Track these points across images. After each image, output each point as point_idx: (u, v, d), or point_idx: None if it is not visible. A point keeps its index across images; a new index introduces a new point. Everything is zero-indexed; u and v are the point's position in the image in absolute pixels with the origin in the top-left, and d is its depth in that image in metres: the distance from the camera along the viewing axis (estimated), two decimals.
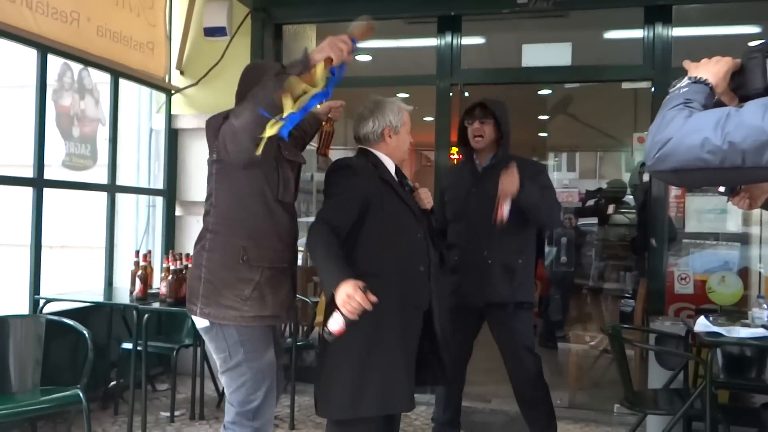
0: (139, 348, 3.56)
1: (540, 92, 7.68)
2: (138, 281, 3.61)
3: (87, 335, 3.08)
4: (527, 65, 4.38)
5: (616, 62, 4.32)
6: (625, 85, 4.49)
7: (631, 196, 6.53)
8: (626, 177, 7.18)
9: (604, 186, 7.90)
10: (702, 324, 3.15)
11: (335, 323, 2.06)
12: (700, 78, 1.49)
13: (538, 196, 2.92)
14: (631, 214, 6.41)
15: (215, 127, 2.31)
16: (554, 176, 16.52)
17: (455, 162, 4.88)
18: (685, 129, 1.34)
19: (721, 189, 1.92)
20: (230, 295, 2.27)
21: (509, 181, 2.81)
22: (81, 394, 2.96)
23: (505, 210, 2.83)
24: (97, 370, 4.08)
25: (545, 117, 9.11)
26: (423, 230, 2.49)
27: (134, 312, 3.50)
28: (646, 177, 4.36)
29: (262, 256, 2.31)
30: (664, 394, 3.43)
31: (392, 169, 2.52)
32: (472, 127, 3.04)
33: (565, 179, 16.61)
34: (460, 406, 3.36)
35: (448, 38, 4.47)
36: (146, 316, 3.47)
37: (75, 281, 4.40)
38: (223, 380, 2.41)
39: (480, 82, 4.50)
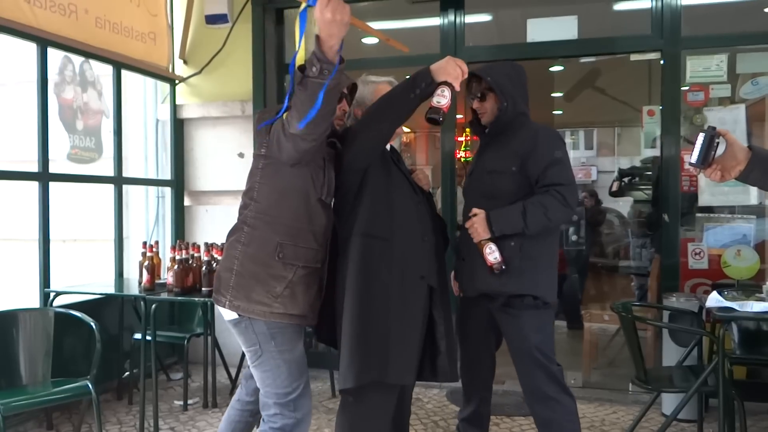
0: (148, 338, 3.58)
1: (551, 68, 7.55)
2: (145, 272, 3.62)
3: (94, 327, 3.10)
4: (533, 40, 4.29)
5: (624, 34, 4.19)
6: (634, 57, 4.37)
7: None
8: (646, 153, 7.02)
9: (636, 164, 7.75)
10: (714, 299, 3.08)
11: (443, 99, 2.12)
12: None
13: (519, 221, 2.48)
14: (649, 190, 6.30)
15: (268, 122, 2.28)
16: (571, 154, 16.36)
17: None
18: None
19: (693, 160, 1.85)
20: (261, 290, 2.24)
21: (474, 230, 2.54)
22: (90, 385, 2.98)
23: (489, 257, 2.50)
24: (111, 360, 4.15)
25: (558, 94, 8.94)
26: (424, 204, 2.46)
27: (142, 302, 3.51)
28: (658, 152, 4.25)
29: (298, 255, 2.27)
30: (678, 372, 3.37)
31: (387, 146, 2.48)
32: (473, 105, 2.71)
33: (583, 157, 16.44)
34: (489, 403, 2.94)
35: (451, 16, 4.39)
36: (153, 306, 3.48)
37: (89, 274, 4.44)
38: (255, 374, 2.36)
39: (485, 60, 4.40)
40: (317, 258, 2.33)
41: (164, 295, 3.57)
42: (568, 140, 18.50)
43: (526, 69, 2.70)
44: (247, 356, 2.35)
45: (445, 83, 2.13)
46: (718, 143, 1.84)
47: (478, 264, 2.57)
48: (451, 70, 2.13)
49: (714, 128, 1.84)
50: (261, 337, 2.27)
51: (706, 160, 1.84)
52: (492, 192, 2.62)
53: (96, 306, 4.03)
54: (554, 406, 2.60)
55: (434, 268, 2.44)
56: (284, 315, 2.27)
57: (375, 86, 2.51)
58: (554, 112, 10.54)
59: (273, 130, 2.22)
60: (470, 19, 4.45)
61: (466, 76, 2.17)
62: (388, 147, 2.51)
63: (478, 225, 2.53)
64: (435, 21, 4.47)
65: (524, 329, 2.60)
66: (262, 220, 2.29)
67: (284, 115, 2.12)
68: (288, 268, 2.26)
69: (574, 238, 6.07)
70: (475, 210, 2.56)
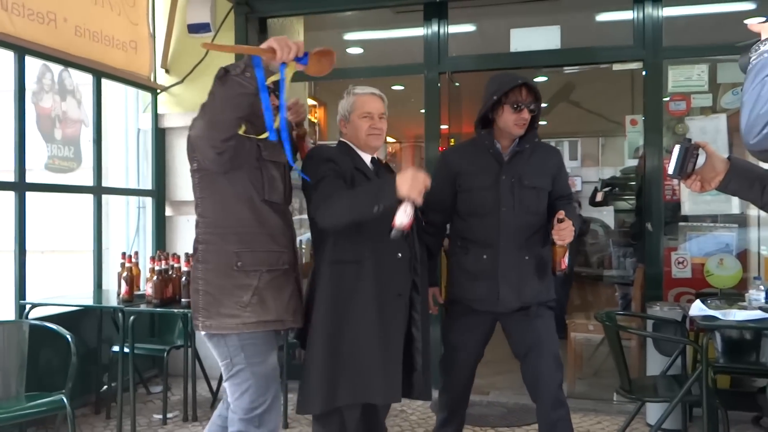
0: (127, 350, 3.51)
1: (536, 79, 7.60)
2: (123, 283, 3.56)
3: (70, 339, 3.03)
4: (516, 50, 4.30)
5: (606, 44, 4.22)
6: (616, 67, 4.40)
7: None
8: (630, 163, 7.04)
9: (616, 174, 7.79)
10: (697, 308, 3.08)
11: (405, 215, 2.14)
12: None
13: (579, 222, 2.71)
14: (632, 199, 6.33)
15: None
16: None
17: (448, 144, 4.73)
18: None
19: (670, 172, 1.86)
20: (230, 303, 2.23)
21: (568, 233, 2.54)
22: (65, 400, 2.91)
23: (566, 260, 2.63)
24: (89, 374, 4.07)
25: (543, 105, 8.97)
26: None
27: (120, 314, 3.45)
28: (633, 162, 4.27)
29: (258, 261, 2.26)
30: (662, 381, 3.36)
31: (367, 159, 2.50)
32: (520, 115, 2.62)
33: (567, 167, 16.53)
34: (463, 422, 2.97)
35: (435, 26, 4.39)
36: (132, 318, 3.42)
37: (67, 285, 4.36)
38: (227, 388, 2.35)
39: (469, 69, 4.41)
40: (282, 260, 2.32)
41: (143, 307, 3.51)
42: None
43: None
44: (222, 370, 2.33)
45: (403, 205, 2.15)
46: (697, 154, 1.85)
47: (524, 277, 2.65)
48: (416, 188, 2.14)
49: (689, 140, 1.85)
50: (232, 350, 2.26)
51: (683, 171, 1.85)
52: (537, 208, 2.71)
53: (74, 318, 3.95)
54: (567, 411, 2.71)
55: (408, 280, 2.44)
56: (258, 323, 2.25)
57: (355, 98, 2.50)
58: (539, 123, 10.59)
59: (189, 140, 2.23)
60: (454, 28, 4.45)
61: (427, 189, 2.19)
62: (366, 158, 2.50)
63: (571, 230, 2.55)
64: (419, 31, 4.47)
65: (553, 332, 2.76)
66: (213, 234, 2.29)
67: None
68: (251, 275, 2.24)
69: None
70: (563, 214, 2.55)
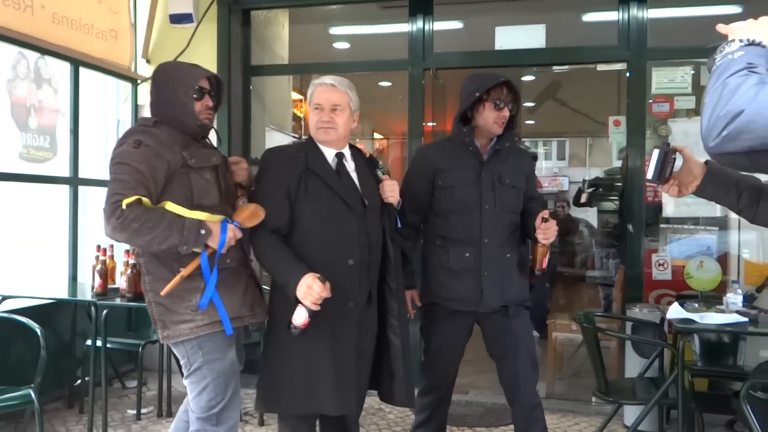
0: (99, 344, 3.45)
1: (523, 78, 7.58)
2: (97, 276, 3.49)
3: (39, 333, 2.96)
4: (501, 48, 4.27)
5: (591, 44, 4.20)
6: (601, 67, 4.39)
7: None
8: (618, 164, 7.04)
9: (601, 174, 7.81)
10: (675, 311, 3.07)
11: (299, 317, 2.13)
12: (754, 40, 1.27)
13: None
14: (617, 200, 6.34)
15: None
16: (543, 165, 16.49)
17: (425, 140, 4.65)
18: (761, 99, 1.11)
19: (649, 176, 1.84)
20: (181, 309, 2.20)
21: (552, 233, 2.53)
22: (33, 394, 2.85)
23: (546, 260, 2.62)
24: (63, 367, 4.01)
25: (531, 104, 8.96)
26: (358, 221, 2.34)
27: (93, 308, 3.38)
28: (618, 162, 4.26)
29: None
30: (639, 383, 3.35)
31: (329, 156, 2.40)
32: (501, 113, 2.61)
33: (555, 167, 16.57)
34: (445, 423, 2.90)
35: (420, 22, 4.35)
36: (105, 312, 3.36)
37: (45, 277, 4.28)
38: (186, 386, 2.32)
39: (453, 66, 4.38)
40: (227, 258, 2.26)
41: (117, 301, 3.45)
42: (540, 150, 18.69)
43: None
44: (182, 368, 2.30)
45: (302, 305, 2.14)
46: (674, 158, 1.83)
47: (507, 275, 2.65)
48: (308, 297, 2.11)
49: (668, 144, 1.83)
50: (190, 350, 2.24)
51: (662, 175, 1.83)
52: (515, 207, 2.71)
53: (48, 311, 3.88)
54: (542, 411, 2.70)
55: (361, 287, 2.34)
56: (213, 324, 2.22)
57: (313, 89, 2.41)
58: (526, 122, 10.60)
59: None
60: (440, 25, 4.42)
61: (321, 300, 2.13)
62: (329, 153, 2.40)
63: (555, 229, 2.54)
64: (404, 26, 4.43)
65: (530, 332, 2.80)
66: None
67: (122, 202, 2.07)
68: (196, 278, 2.20)
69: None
70: (547, 213, 2.54)
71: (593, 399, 4.07)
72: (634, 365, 3.63)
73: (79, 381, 4.02)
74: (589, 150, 15.71)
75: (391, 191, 2.44)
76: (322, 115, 2.35)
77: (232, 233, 2.19)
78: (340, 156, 2.41)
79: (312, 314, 2.13)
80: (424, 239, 2.84)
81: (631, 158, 4.08)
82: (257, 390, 2.39)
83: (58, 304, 3.95)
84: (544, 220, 2.51)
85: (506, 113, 2.63)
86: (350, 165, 2.44)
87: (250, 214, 2.26)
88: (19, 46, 3.75)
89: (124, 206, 2.02)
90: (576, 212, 7.36)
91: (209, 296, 2.20)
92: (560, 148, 17.96)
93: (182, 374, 2.34)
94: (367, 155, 2.57)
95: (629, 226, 4.07)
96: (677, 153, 1.84)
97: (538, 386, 2.74)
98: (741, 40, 1.27)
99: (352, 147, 2.52)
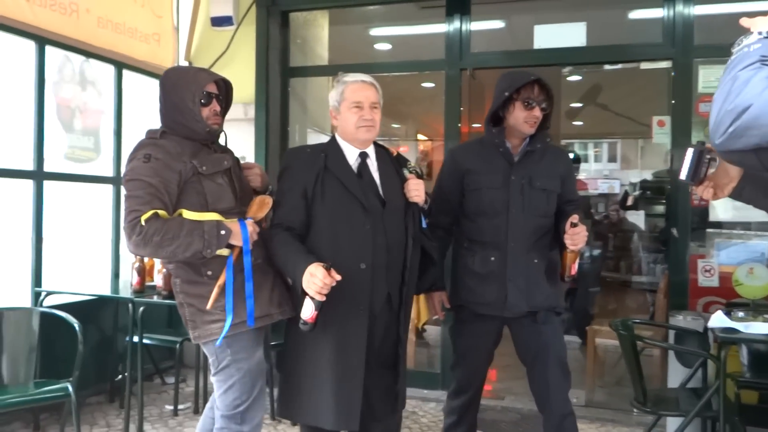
0: (136, 340, 3.52)
1: (569, 78, 7.40)
2: (135, 273, 3.58)
3: (77, 328, 3.05)
4: (540, 47, 4.17)
5: (634, 42, 4.05)
6: (644, 66, 4.24)
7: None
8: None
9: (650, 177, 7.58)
10: (718, 319, 2.93)
11: (306, 310, 2.07)
12: None
13: (588, 226, 2.70)
14: (664, 203, 6.15)
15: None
16: (592, 167, 16.10)
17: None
18: None
19: (682, 176, 1.74)
20: (211, 309, 2.22)
21: (581, 238, 2.44)
22: (70, 388, 2.93)
23: (576, 266, 2.54)
24: (105, 362, 4.12)
25: (578, 104, 8.75)
26: (374, 222, 2.28)
27: (130, 305, 3.46)
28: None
29: (224, 265, 2.22)
30: (682, 394, 3.22)
31: (352, 155, 2.36)
32: (531, 112, 2.53)
33: (606, 170, 16.18)
34: (474, 427, 2.87)
35: (457, 21, 4.29)
36: (141, 308, 3.43)
37: (88, 274, 4.40)
38: (213, 383, 2.35)
39: (491, 66, 4.30)
40: (253, 255, 2.25)
41: (155, 298, 3.52)
42: (590, 152, 18.26)
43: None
44: (210, 365, 2.32)
45: (309, 298, 2.09)
46: (710, 159, 1.73)
47: (533, 281, 2.56)
48: (311, 286, 2.05)
49: (703, 143, 1.74)
50: (219, 348, 2.25)
51: (696, 176, 1.73)
52: (546, 210, 2.61)
53: (92, 307, 4.01)
54: (573, 420, 2.62)
55: (371, 292, 2.27)
56: (242, 323, 2.23)
57: (344, 86, 2.35)
58: (573, 123, 10.37)
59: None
60: (477, 24, 4.35)
61: (326, 290, 2.06)
62: (352, 153, 2.36)
63: (584, 235, 2.45)
64: (442, 26, 4.38)
65: (561, 339, 2.68)
66: None
67: (140, 218, 2.09)
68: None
69: (596, 252, 5.92)
70: (576, 218, 2.45)
71: (635, 409, 3.93)
72: (677, 375, 3.49)
73: (120, 376, 4.12)
74: (640, 152, 15.28)
75: (416, 190, 2.38)
76: (364, 113, 2.30)
77: (252, 227, 2.22)
78: (363, 155, 2.38)
79: (319, 307, 2.07)
80: (455, 241, 2.81)
81: (676, 160, 3.93)
82: (278, 392, 2.41)
83: (101, 301, 4.06)
84: (573, 225, 2.43)
85: (537, 113, 2.55)
86: (373, 164, 2.40)
87: (258, 205, 2.29)
88: (65, 50, 3.88)
89: (142, 222, 2.05)
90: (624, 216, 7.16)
91: (249, 300, 2.23)
92: (611, 150, 17.53)
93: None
94: (395, 153, 2.51)
95: (673, 230, 3.92)
96: (712, 153, 1.74)
97: (576, 394, 2.67)
98: (760, 33, 1.20)
99: (378, 145, 2.47)
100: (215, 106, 2.29)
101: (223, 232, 2.13)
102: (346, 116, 2.33)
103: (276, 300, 2.33)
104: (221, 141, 2.41)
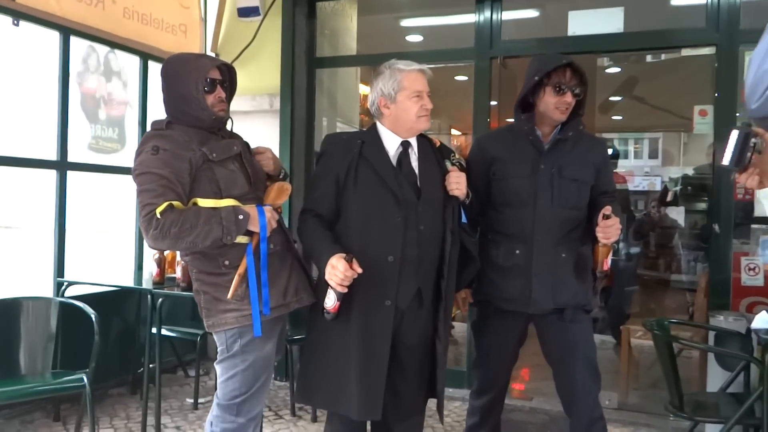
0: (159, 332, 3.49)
1: (608, 70, 7.16)
2: (155, 265, 3.55)
3: (93, 319, 3.02)
4: (574, 33, 3.99)
5: (675, 27, 3.84)
6: (685, 52, 4.02)
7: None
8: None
9: (691, 172, 7.29)
10: (762, 320, 2.74)
11: (329, 300, 2.07)
12: None
13: (623, 219, 2.45)
14: (705, 199, 5.88)
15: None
16: (632, 163, 15.66)
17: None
18: None
19: (725, 162, 1.57)
20: (227, 298, 2.16)
21: (614, 231, 2.27)
22: (85, 379, 2.90)
23: (608, 260, 2.38)
24: (128, 354, 4.11)
25: (617, 98, 8.46)
26: (407, 215, 2.19)
27: (149, 297, 3.43)
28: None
29: (243, 253, 2.17)
30: (722, 399, 3.03)
31: (392, 145, 2.27)
32: (563, 98, 2.39)
33: (647, 166, 15.73)
34: (498, 428, 2.77)
35: (487, 8, 4.14)
36: (160, 300, 3.39)
37: (113, 265, 4.42)
38: (216, 369, 2.30)
39: (523, 54, 4.14)
40: (271, 242, 2.21)
41: (175, 290, 3.49)
42: (630, 149, 17.78)
43: None
44: (219, 354, 2.27)
45: (331, 288, 2.07)
46: (756, 143, 1.56)
47: (560, 276, 2.43)
48: (333, 277, 2.03)
49: (749, 124, 1.56)
50: (230, 338, 2.20)
51: (741, 161, 1.56)
52: (577, 202, 2.46)
53: (115, 298, 4.00)
54: (603, 425, 2.49)
55: (398, 286, 2.18)
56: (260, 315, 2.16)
57: (402, 75, 2.24)
58: (613, 118, 10.06)
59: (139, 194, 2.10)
60: (508, 10, 4.18)
61: (348, 281, 2.03)
62: (393, 143, 2.27)
63: (618, 228, 2.29)
64: (473, 15, 4.23)
65: (590, 338, 2.53)
66: None
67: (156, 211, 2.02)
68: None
69: (634, 250, 5.70)
70: (609, 209, 2.29)
71: (671, 414, 3.74)
72: (717, 378, 3.29)
73: (141, 368, 4.11)
74: (683, 148, 14.80)
75: (457, 183, 2.27)
76: (425, 102, 2.24)
77: (270, 213, 2.16)
78: (406, 145, 2.29)
79: (341, 298, 2.05)
80: (480, 233, 2.68)
81: (719, 152, 3.70)
82: (296, 379, 2.34)
83: (124, 292, 4.05)
84: (605, 217, 2.27)
85: (569, 98, 2.41)
86: (415, 155, 2.30)
87: (277, 192, 2.26)
88: (90, 41, 3.87)
89: (158, 215, 2.00)
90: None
91: (261, 297, 2.17)
92: (652, 145, 17.04)
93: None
94: (438, 144, 2.40)
95: (715, 225, 3.70)
96: (758, 137, 1.58)
97: (608, 396, 2.52)
98: None
99: (421, 135, 2.37)
100: (220, 92, 2.24)
101: (241, 217, 2.09)
102: (405, 106, 2.24)
103: (293, 287, 2.28)
104: (228, 128, 2.35)
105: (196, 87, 2.14)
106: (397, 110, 2.26)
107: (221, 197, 2.14)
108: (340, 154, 2.23)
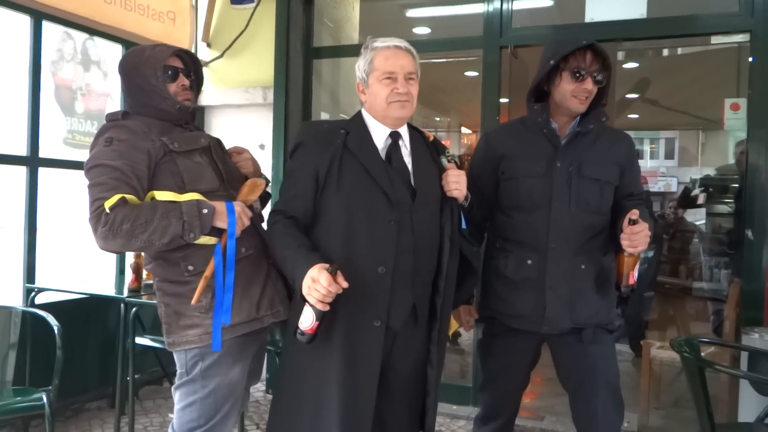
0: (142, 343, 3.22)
1: (625, 66, 6.80)
2: (130, 271, 3.26)
3: (56, 331, 2.72)
4: (592, 20, 3.65)
5: (704, 11, 3.49)
6: (715, 40, 3.65)
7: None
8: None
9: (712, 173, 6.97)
10: None
11: (305, 319, 1.73)
12: None
13: (653, 228, 2.07)
14: (731, 201, 5.52)
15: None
16: (648, 164, 15.26)
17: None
18: None
19: None
20: (189, 311, 1.90)
21: (642, 239, 1.96)
22: (44, 398, 2.61)
23: (635, 273, 2.07)
24: (109, 365, 3.83)
25: (634, 96, 8.09)
26: (400, 219, 1.87)
27: (122, 305, 3.14)
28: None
29: (210, 257, 1.90)
30: (759, 430, 2.68)
31: (380, 136, 1.95)
32: (581, 85, 2.09)
33: (662, 167, 15.33)
34: None
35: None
36: (134, 309, 3.10)
37: (94, 270, 4.14)
38: (174, 396, 2.02)
39: (535, 43, 3.80)
40: (243, 245, 1.95)
41: (153, 299, 3.19)
42: (646, 148, 17.34)
43: None
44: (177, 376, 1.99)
45: (309, 305, 1.73)
46: None
47: (579, 291, 2.13)
48: (312, 293, 1.69)
49: None
50: (190, 359, 1.92)
51: None
52: (599, 205, 2.16)
53: (93, 306, 3.71)
54: None
55: (388, 302, 1.87)
56: (224, 330, 1.88)
57: (374, 53, 1.94)
58: (629, 116, 9.70)
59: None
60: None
61: (330, 298, 1.69)
62: (380, 134, 1.96)
63: (646, 235, 1.96)
64: (481, 3, 3.90)
65: (613, 362, 2.23)
66: None
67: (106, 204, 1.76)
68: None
69: (650, 253, 5.35)
70: (636, 213, 1.96)
71: None
72: (749, 406, 2.95)
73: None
74: (701, 148, 14.38)
75: (456, 183, 1.96)
76: (397, 85, 1.89)
77: (240, 208, 1.89)
78: (395, 136, 1.96)
79: (321, 317, 1.70)
80: (487, 240, 2.36)
81: (753, 151, 3.35)
82: (269, 416, 2.02)
83: (103, 300, 3.75)
84: (632, 222, 1.94)
85: (589, 85, 2.09)
86: (406, 148, 1.98)
87: (250, 187, 2.00)
88: (64, 26, 3.58)
89: (107, 210, 1.74)
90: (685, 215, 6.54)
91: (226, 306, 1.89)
92: (668, 145, 16.61)
93: (171, 383, 2.05)
94: (431, 138, 2.09)
95: (748, 231, 3.35)
96: None
97: (627, 417, 2.20)
98: None
99: (411, 127, 2.05)
100: (183, 80, 2.02)
101: (205, 211, 1.82)
102: (375, 89, 1.92)
103: (267, 301, 1.99)
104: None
105: (155, 75, 1.94)
106: (371, 95, 1.95)
107: (185, 191, 1.88)
108: (321, 147, 1.90)
